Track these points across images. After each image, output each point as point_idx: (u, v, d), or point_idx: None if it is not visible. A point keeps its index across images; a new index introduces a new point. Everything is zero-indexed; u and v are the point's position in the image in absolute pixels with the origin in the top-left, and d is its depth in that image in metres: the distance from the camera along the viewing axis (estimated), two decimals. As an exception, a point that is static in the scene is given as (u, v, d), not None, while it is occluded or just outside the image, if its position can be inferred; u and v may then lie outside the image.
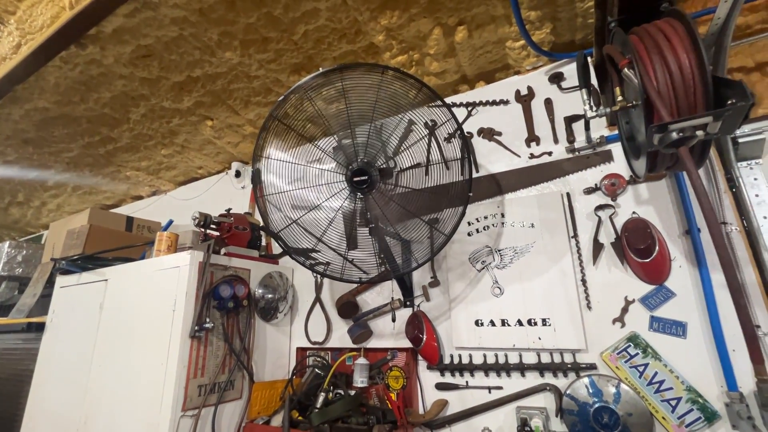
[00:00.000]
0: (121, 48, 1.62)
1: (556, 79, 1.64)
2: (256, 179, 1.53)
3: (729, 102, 0.73)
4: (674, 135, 0.73)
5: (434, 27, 1.54)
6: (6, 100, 1.93)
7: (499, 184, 1.65)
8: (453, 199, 1.39)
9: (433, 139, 1.88)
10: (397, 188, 1.49)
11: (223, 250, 1.79)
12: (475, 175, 1.73)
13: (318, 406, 1.54)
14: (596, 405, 1.23)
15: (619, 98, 0.99)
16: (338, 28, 1.56)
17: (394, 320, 1.71)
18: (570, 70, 1.63)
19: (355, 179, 1.34)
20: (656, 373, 1.21)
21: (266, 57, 1.68)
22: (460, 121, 1.83)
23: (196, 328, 1.49)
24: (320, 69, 1.31)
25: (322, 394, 1.57)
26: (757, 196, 1.26)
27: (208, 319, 1.54)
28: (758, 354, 0.68)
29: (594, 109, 1.11)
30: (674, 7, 0.89)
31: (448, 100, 1.90)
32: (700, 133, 0.73)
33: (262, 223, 2.34)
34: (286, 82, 1.85)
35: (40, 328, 2.10)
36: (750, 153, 1.29)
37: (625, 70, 0.86)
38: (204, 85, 1.86)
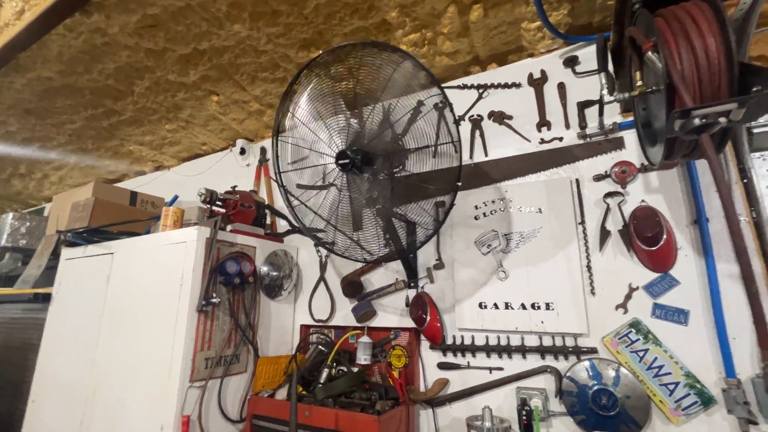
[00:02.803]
0: (126, 17, 1.57)
1: (571, 62, 1.61)
2: (269, 156, 1.52)
3: (754, 89, 0.72)
4: (697, 121, 0.73)
5: (449, 4, 1.50)
6: (8, 69, 1.89)
7: (507, 169, 1.64)
8: (439, 189, 1.37)
9: (439, 121, 1.86)
10: (402, 171, 1.48)
11: (228, 227, 1.80)
12: (484, 158, 1.73)
13: (321, 381, 1.57)
14: (595, 387, 1.26)
15: (639, 83, 0.97)
16: (350, 3, 1.51)
17: (407, 305, 1.71)
18: (585, 54, 1.59)
19: (340, 162, 1.33)
20: (656, 359, 1.24)
21: (275, 31, 1.64)
22: (471, 103, 1.81)
23: (203, 302, 1.51)
24: (320, 52, 1.31)
25: (326, 370, 1.61)
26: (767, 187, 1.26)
27: (214, 294, 1.56)
28: (765, 339, 0.69)
29: (611, 94, 1.09)
30: (703, -12, 0.87)
31: (459, 81, 1.87)
32: (722, 120, 0.72)
33: (267, 201, 2.34)
34: (295, 59, 1.81)
35: (46, 298, 2.12)
36: (764, 144, 1.28)
37: (649, 53, 0.84)
38: (210, 58, 1.82)
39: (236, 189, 1.97)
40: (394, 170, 1.49)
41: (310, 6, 1.52)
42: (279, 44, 1.73)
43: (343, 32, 1.66)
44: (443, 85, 1.90)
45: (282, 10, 1.54)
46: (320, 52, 1.32)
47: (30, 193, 3.76)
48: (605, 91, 1.04)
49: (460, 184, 1.23)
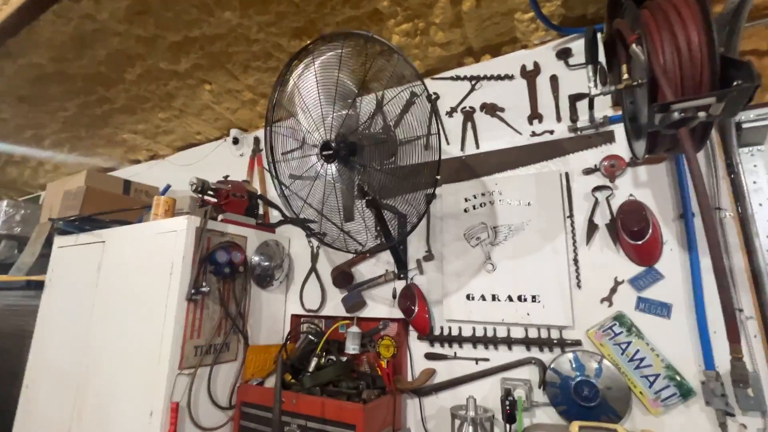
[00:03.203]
0: (116, 2, 1.56)
1: (564, 55, 1.59)
2: (263, 146, 1.52)
3: (735, 83, 0.72)
4: (675, 115, 0.72)
5: (441, -6, 1.48)
6: (-2, 54, 1.88)
7: (498, 161, 1.64)
8: (428, 181, 1.36)
9: (430, 115, 1.85)
10: (393, 162, 1.48)
11: (220, 217, 1.80)
12: (475, 151, 1.73)
13: (310, 370, 1.59)
14: (578, 379, 1.28)
15: (625, 76, 0.97)
16: (342, -9, 1.50)
17: (395, 297, 1.72)
18: (578, 47, 1.58)
19: (324, 152, 1.33)
20: (638, 351, 1.25)
21: (266, 19, 1.63)
22: (464, 95, 1.80)
23: (193, 291, 1.52)
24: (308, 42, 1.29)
25: (315, 359, 1.63)
26: (755, 182, 1.26)
27: (204, 284, 1.56)
28: (735, 333, 0.70)
29: (599, 87, 1.09)
30: (690, -19, 0.86)
31: (452, 72, 1.85)
32: (702, 114, 0.72)
33: (260, 191, 2.34)
34: (287, 47, 1.79)
35: (39, 286, 2.13)
36: (753, 139, 1.28)
37: (633, 46, 0.84)
38: (202, 46, 1.81)
39: (228, 179, 1.97)
40: (386, 162, 1.49)
41: (301, -6, 1.51)
42: (271, 33, 1.71)
43: (335, 21, 1.65)
44: (436, 76, 1.89)
45: (273, -3, 1.52)
46: (302, 44, 1.31)
47: (26, 181, 3.76)
48: (592, 84, 1.04)
49: (438, 177, 1.22)
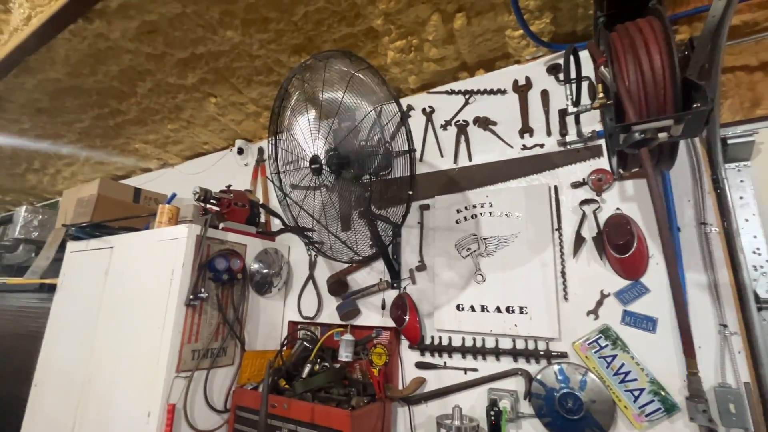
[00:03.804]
0: (126, 23, 1.66)
1: (554, 70, 1.63)
2: (266, 156, 1.58)
3: (694, 105, 0.74)
4: (637, 136, 0.75)
5: (433, 13, 1.53)
6: (19, 70, 2.00)
7: (490, 174, 1.67)
8: (404, 195, 1.40)
9: (426, 128, 1.90)
10: (389, 174, 1.52)
11: (221, 225, 1.87)
12: (468, 163, 1.76)
13: (304, 376, 1.63)
14: (563, 391, 1.29)
15: (600, 95, 1.00)
16: (338, 11, 1.56)
17: (384, 308, 1.76)
18: (569, 62, 1.61)
19: (312, 166, 1.38)
20: (623, 365, 1.26)
21: (267, 37, 1.70)
22: (458, 109, 1.84)
23: (191, 297, 1.58)
24: (301, 61, 1.36)
25: (309, 365, 1.67)
26: (741, 198, 1.27)
27: (203, 290, 1.63)
28: (690, 348, 0.71)
29: (579, 104, 1.12)
30: (658, 5, 0.89)
31: (447, 86, 1.90)
32: (662, 135, 0.75)
33: (262, 200, 2.42)
34: (287, 63, 1.87)
35: (51, 289, 2.23)
36: (739, 155, 1.28)
37: (602, 68, 0.87)
38: (207, 62, 1.90)
39: (231, 188, 2.04)
40: (382, 174, 1.53)
41: (298, 13, 1.58)
42: (271, 50, 1.79)
43: (332, 38, 1.71)
44: (432, 90, 1.94)
45: (272, 17, 1.60)
46: (301, 60, 1.38)
47: (44, 188, 3.92)
48: (569, 102, 1.07)
49: (411, 193, 1.26)
